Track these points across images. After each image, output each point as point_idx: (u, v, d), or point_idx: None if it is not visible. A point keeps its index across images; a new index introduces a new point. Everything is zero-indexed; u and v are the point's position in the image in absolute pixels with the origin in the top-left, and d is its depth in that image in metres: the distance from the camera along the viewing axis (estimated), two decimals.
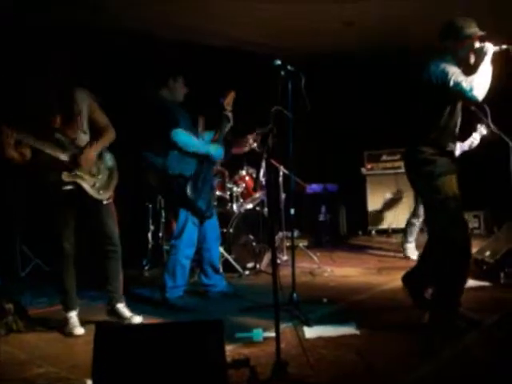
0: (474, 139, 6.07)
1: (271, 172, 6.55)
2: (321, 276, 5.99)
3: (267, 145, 4.11)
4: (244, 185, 6.48)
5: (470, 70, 3.80)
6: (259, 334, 3.97)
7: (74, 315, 4.25)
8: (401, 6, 6.59)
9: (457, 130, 4.05)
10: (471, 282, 5.29)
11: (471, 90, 3.67)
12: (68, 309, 4.24)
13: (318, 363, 3.35)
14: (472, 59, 3.87)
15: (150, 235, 6.72)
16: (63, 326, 4.22)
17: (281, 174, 6.79)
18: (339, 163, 8.14)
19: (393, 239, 7.25)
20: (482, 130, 6.03)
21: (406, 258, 6.71)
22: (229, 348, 3.26)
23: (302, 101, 4.43)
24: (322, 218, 7.99)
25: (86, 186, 4.10)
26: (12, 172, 6.05)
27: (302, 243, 7.16)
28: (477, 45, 3.85)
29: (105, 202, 4.22)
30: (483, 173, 7.83)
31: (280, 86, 4.26)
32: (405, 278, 4.51)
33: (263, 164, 6.36)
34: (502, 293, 4.95)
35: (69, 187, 4.05)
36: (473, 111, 4.93)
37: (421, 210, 6.64)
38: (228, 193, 6.51)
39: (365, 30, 7.51)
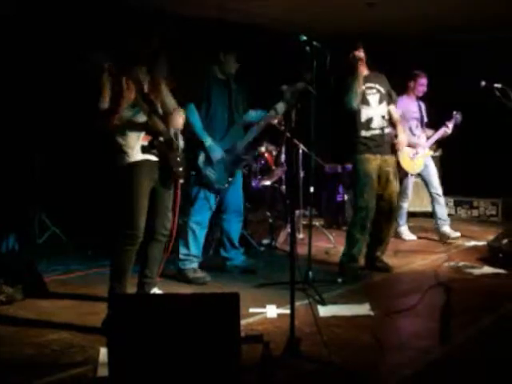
0: (447, 128, 6.60)
1: (291, 149, 6.52)
2: (336, 256, 5.96)
3: (289, 121, 4.09)
4: (263, 161, 6.44)
5: None
6: (273, 310, 3.99)
7: None
8: None
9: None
10: (486, 269, 5.28)
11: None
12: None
13: (330, 342, 3.36)
14: None
15: None
16: None
17: (300, 152, 6.75)
18: None
19: (409, 222, 7.20)
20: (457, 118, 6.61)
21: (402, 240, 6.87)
22: (242, 323, 3.25)
23: (326, 78, 4.39)
24: (339, 198, 7.95)
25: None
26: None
27: (319, 222, 7.15)
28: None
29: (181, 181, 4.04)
30: (502, 160, 7.73)
31: (304, 62, 4.22)
32: None
33: (284, 141, 6.37)
34: None
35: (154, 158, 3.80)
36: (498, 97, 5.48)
37: (408, 192, 6.82)
38: (246, 168, 6.49)
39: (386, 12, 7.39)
